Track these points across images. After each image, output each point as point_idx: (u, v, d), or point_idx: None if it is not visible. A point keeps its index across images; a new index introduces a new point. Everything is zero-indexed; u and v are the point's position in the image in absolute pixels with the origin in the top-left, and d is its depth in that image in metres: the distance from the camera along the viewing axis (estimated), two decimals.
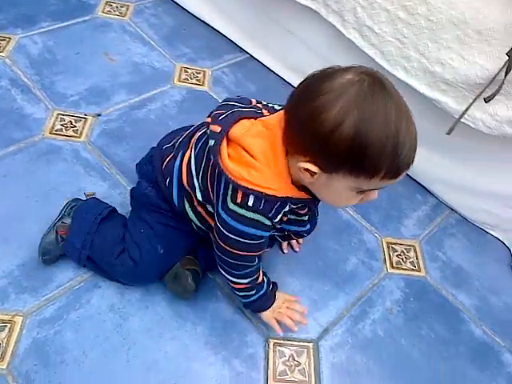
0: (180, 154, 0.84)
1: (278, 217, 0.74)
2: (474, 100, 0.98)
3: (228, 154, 0.71)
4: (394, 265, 1.10)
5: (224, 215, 0.75)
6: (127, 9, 1.50)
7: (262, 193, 0.70)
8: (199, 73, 1.37)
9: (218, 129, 0.72)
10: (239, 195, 0.72)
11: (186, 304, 0.93)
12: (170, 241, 0.88)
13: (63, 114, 1.16)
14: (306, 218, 0.83)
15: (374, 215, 1.18)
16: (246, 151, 0.71)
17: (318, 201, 0.80)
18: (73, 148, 1.11)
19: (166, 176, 0.86)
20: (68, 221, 0.90)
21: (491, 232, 1.22)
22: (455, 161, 1.17)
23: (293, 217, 0.80)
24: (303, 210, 0.79)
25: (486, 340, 1.03)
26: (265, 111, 0.75)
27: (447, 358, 0.98)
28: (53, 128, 1.13)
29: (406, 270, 1.10)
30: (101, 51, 1.34)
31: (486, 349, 1.01)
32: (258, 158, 0.70)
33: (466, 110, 1.00)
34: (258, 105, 0.78)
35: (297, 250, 1.06)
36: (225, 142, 0.72)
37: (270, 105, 0.79)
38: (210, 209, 0.83)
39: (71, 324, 0.86)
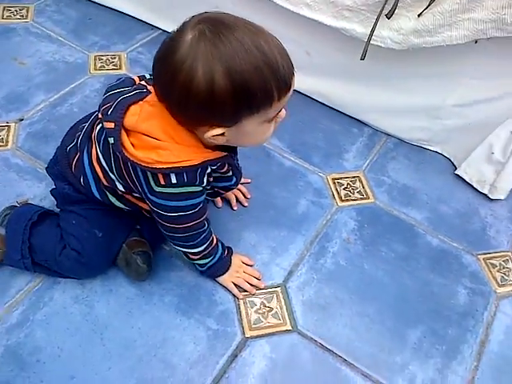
0: (85, 152, 0.84)
1: (205, 180, 0.76)
2: (377, 19, 1.01)
3: (132, 144, 0.71)
4: (343, 198, 1.13)
5: (156, 199, 0.76)
6: (27, 10, 1.45)
7: (179, 167, 0.71)
8: (114, 58, 1.35)
9: (111, 125, 0.72)
10: (160, 178, 0.73)
11: (149, 279, 0.93)
12: (104, 223, 0.88)
13: None
14: (230, 172, 0.84)
15: (315, 156, 1.21)
16: (147, 135, 0.70)
17: (235, 154, 0.83)
18: (2, 158, 1.08)
19: (79, 175, 0.85)
20: (2, 231, 0.88)
21: (429, 147, 1.27)
22: (379, 86, 1.20)
23: (217, 175, 0.82)
24: (223, 167, 0.80)
25: (443, 247, 1.08)
26: (149, 87, 0.75)
27: (410, 272, 1.02)
28: None
29: (355, 200, 1.13)
30: (9, 57, 1.30)
31: (445, 255, 1.07)
32: (161, 138, 0.70)
33: (372, 30, 1.03)
34: (142, 82, 0.79)
35: (246, 204, 1.08)
36: (124, 135, 0.71)
37: (148, 77, 0.80)
38: (136, 195, 0.83)
39: (39, 323, 0.85)
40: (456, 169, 1.21)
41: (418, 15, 0.98)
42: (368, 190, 1.16)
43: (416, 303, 0.97)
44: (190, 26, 0.64)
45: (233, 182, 0.88)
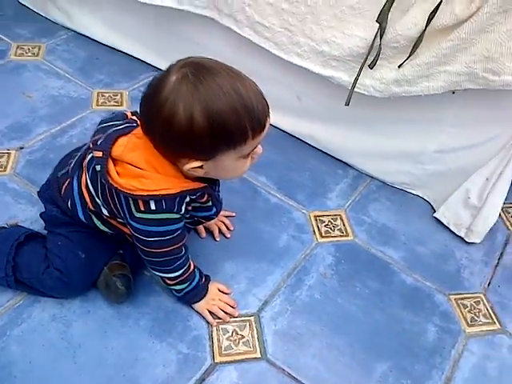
0: (76, 178, 0.90)
1: (183, 208, 0.81)
2: (360, 69, 1.08)
3: (118, 173, 0.77)
4: (323, 234, 1.17)
5: (136, 224, 0.81)
6: (39, 49, 1.55)
7: (158, 195, 0.76)
8: (116, 95, 1.43)
9: (100, 154, 0.78)
10: (141, 204, 0.78)
11: (128, 302, 0.96)
12: (89, 245, 0.93)
13: None
14: (210, 203, 0.89)
15: (300, 194, 1.26)
16: (132, 165, 0.77)
17: (215, 185, 0.89)
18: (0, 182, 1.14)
19: (66, 199, 0.91)
20: None
21: (411, 191, 1.31)
22: (364, 131, 1.26)
23: (197, 205, 0.87)
24: (203, 197, 0.86)
25: (417, 285, 1.10)
26: (139, 121, 0.81)
27: (383, 308, 1.04)
28: None
29: (334, 237, 1.17)
30: (18, 91, 1.39)
31: (418, 293, 1.09)
32: (143, 168, 0.76)
33: (356, 79, 1.09)
34: (133, 117, 0.86)
35: (228, 236, 1.12)
36: (111, 164, 0.77)
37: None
38: (119, 220, 0.88)
39: (15, 339, 0.89)
40: (435, 212, 1.24)
41: (399, 66, 1.05)
42: (348, 228, 1.19)
43: (386, 339, 0.99)
44: (175, 68, 0.71)
45: (212, 212, 0.92)
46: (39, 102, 1.37)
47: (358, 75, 1.08)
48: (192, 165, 0.74)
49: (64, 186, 0.91)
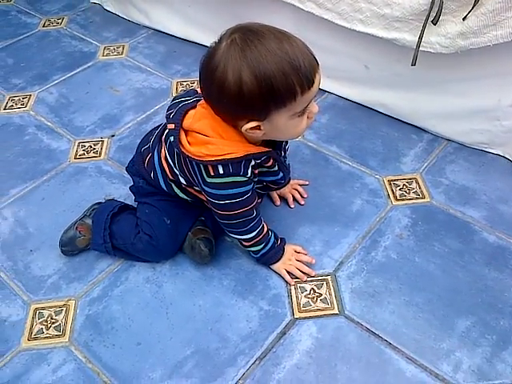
0: (156, 152, 0.98)
1: (249, 171, 0.86)
2: (424, 26, 1.07)
3: (189, 142, 0.84)
4: (398, 197, 1.17)
5: (208, 189, 0.88)
6: (123, 48, 1.70)
7: (224, 159, 0.82)
8: (193, 83, 1.52)
9: (172, 126, 0.86)
10: (210, 169, 0.85)
11: (211, 265, 1.04)
12: (173, 212, 1.02)
13: (83, 142, 1.35)
14: (276, 167, 0.94)
15: (373, 161, 1.26)
16: (200, 133, 0.83)
17: (280, 150, 0.93)
18: (95, 166, 1.28)
19: (150, 171, 1.00)
20: (88, 221, 1.05)
21: (490, 150, 1.26)
22: (435, 92, 1.24)
23: (264, 169, 0.92)
24: (268, 161, 0.91)
25: (501, 244, 1.07)
26: (200, 89, 0.87)
27: (464, 266, 1.03)
28: (76, 154, 1.31)
29: (410, 199, 1.17)
30: (106, 87, 1.54)
31: (502, 251, 1.06)
32: (209, 135, 0.83)
33: (420, 37, 1.08)
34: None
35: (302, 203, 1.16)
36: (183, 134, 0.85)
37: None
38: (196, 188, 0.95)
39: (115, 298, 1.00)
40: None
41: (463, 19, 1.03)
42: (424, 191, 1.18)
43: (467, 295, 0.98)
44: (225, 36, 0.77)
45: (279, 177, 0.97)
46: (125, 95, 1.50)
47: (422, 33, 1.07)
48: (250, 125, 0.79)
49: (147, 160, 1.01)
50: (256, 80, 0.73)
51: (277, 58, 0.73)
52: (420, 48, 1.10)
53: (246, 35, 0.74)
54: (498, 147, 1.25)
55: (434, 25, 1.06)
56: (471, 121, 1.23)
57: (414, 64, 1.12)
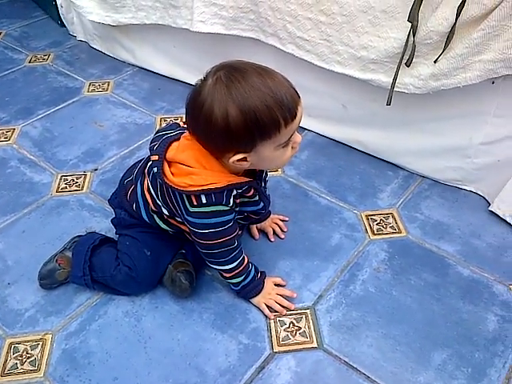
0: (139, 184, 1.01)
1: (231, 201, 0.89)
2: (398, 68, 1.12)
3: (172, 173, 0.87)
4: (376, 232, 1.20)
5: (191, 219, 0.90)
6: (108, 84, 1.73)
7: (207, 189, 0.85)
8: (177, 119, 1.56)
9: (156, 157, 0.89)
10: (193, 199, 0.87)
11: (191, 299, 1.05)
12: (154, 244, 1.03)
13: (66, 175, 1.36)
14: (257, 197, 0.96)
15: (351, 196, 1.30)
16: (183, 164, 0.86)
17: (260, 181, 0.96)
18: (77, 199, 1.28)
19: (132, 203, 1.02)
20: (68, 253, 1.06)
21: (464, 187, 1.31)
22: (410, 131, 1.29)
23: (245, 199, 0.95)
24: (249, 191, 0.93)
25: (475, 277, 1.10)
26: (186, 124, 0.90)
27: (439, 299, 1.05)
28: (58, 187, 1.32)
29: (387, 234, 1.20)
30: (91, 121, 1.56)
31: (476, 284, 1.08)
32: (193, 165, 0.86)
33: (395, 78, 1.14)
34: (185, 125, 0.94)
35: (282, 236, 1.18)
36: (166, 165, 0.87)
37: None
38: (178, 219, 0.97)
39: (93, 332, 0.99)
40: (490, 205, 1.24)
41: (434, 61, 1.08)
42: (401, 225, 1.21)
43: (443, 328, 1.00)
44: (210, 73, 0.81)
45: (260, 207, 0.99)
46: (109, 130, 1.53)
47: (396, 74, 1.13)
48: (236, 157, 0.82)
49: (130, 191, 1.02)
50: (241, 114, 0.77)
51: (260, 93, 0.77)
52: (394, 89, 1.15)
53: (230, 73, 0.78)
54: (470, 184, 1.29)
55: (408, 67, 1.12)
56: (445, 158, 1.28)
57: (388, 104, 1.17)
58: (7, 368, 0.93)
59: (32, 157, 1.42)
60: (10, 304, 1.04)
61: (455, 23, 0.99)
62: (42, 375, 0.92)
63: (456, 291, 1.07)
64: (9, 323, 1.01)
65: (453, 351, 0.96)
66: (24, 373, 0.93)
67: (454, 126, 1.21)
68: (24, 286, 1.07)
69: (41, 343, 0.97)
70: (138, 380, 0.92)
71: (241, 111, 0.77)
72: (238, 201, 0.92)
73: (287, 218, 1.22)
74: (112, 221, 1.10)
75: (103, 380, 0.92)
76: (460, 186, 1.31)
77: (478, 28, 0.97)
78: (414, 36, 1.06)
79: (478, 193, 1.29)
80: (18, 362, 0.94)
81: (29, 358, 0.95)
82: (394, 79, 1.14)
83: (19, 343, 0.97)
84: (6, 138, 1.49)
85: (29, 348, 0.96)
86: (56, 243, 1.13)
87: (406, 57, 1.11)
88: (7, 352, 0.96)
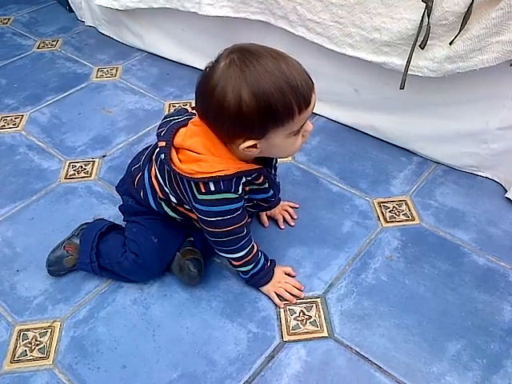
0: (146, 170, 0.99)
1: (240, 188, 0.87)
2: (412, 50, 1.09)
3: (180, 160, 0.85)
4: (388, 219, 1.17)
5: (199, 206, 0.88)
6: (117, 70, 1.71)
7: (215, 176, 0.83)
8: (185, 104, 1.53)
9: (163, 144, 0.86)
10: (201, 186, 0.85)
11: (200, 287, 1.03)
12: (161, 231, 1.01)
13: (74, 162, 1.34)
14: (267, 185, 0.94)
15: (363, 183, 1.27)
16: (191, 150, 0.84)
17: (270, 168, 0.93)
18: (86, 186, 1.27)
19: (140, 190, 1.00)
20: (76, 240, 1.04)
21: (479, 173, 1.27)
22: (424, 115, 1.26)
23: (255, 187, 0.93)
24: (259, 178, 0.91)
25: (490, 266, 1.07)
26: (196, 108, 0.88)
27: (453, 289, 1.03)
28: (67, 174, 1.30)
29: (400, 221, 1.17)
30: (99, 108, 1.54)
31: (491, 274, 1.06)
32: (201, 152, 0.83)
33: (408, 61, 1.10)
34: (193, 110, 0.92)
35: (292, 224, 1.16)
36: (174, 152, 0.85)
37: None
38: (187, 206, 0.95)
39: (102, 320, 0.98)
40: (506, 192, 1.20)
41: (450, 43, 1.05)
42: (414, 213, 1.19)
43: (457, 318, 0.97)
44: (223, 56, 0.78)
45: (270, 195, 0.97)
46: (118, 116, 1.51)
47: (410, 57, 1.09)
48: (246, 144, 0.80)
49: (137, 179, 1.00)
50: (255, 99, 0.74)
51: (275, 78, 0.74)
52: (408, 72, 1.12)
53: (244, 55, 0.75)
54: (486, 170, 1.26)
55: (422, 49, 1.08)
56: (460, 144, 1.24)
57: (402, 87, 1.13)
58: (16, 355, 0.93)
59: (40, 143, 1.41)
60: (18, 291, 1.04)
61: (472, 2, 0.95)
62: (50, 362, 0.92)
63: (471, 280, 1.04)
64: (18, 310, 1.00)
65: (467, 342, 0.94)
66: (33, 360, 0.92)
67: (470, 110, 1.18)
68: (33, 273, 1.07)
69: (49, 330, 0.97)
70: (146, 368, 0.91)
71: (254, 96, 0.74)
72: (247, 188, 0.90)
73: (297, 205, 1.20)
74: (120, 208, 1.09)
75: (111, 368, 0.91)
76: (475, 173, 1.28)
77: (497, 7, 0.93)
78: (428, 17, 1.02)
79: (495, 179, 1.26)
80: (27, 349, 0.94)
81: (38, 345, 0.95)
82: (408, 62, 1.10)
83: (28, 330, 0.97)
84: (15, 124, 1.48)
85: (38, 335, 0.96)
86: (64, 230, 1.12)
87: (421, 38, 1.07)
88: (16, 339, 0.95)
